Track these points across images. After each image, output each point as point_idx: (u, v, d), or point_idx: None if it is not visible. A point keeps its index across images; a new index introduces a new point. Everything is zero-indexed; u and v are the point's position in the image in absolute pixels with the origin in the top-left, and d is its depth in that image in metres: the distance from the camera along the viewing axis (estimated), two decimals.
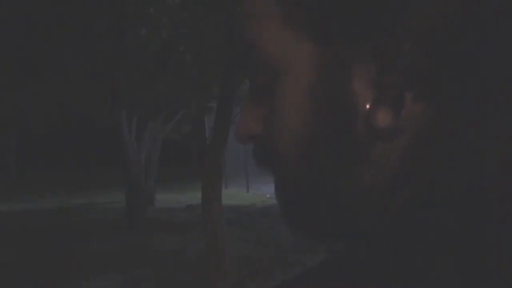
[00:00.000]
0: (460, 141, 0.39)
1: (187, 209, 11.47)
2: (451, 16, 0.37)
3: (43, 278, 6.39)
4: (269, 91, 0.43)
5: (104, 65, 7.82)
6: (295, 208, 0.45)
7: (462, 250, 0.36)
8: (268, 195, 12.89)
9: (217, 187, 5.21)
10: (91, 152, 25.12)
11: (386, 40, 0.38)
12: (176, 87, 8.35)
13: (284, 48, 0.41)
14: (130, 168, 9.66)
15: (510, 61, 0.38)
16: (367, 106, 0.39)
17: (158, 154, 12.01)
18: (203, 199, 5.24)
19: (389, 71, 0.38)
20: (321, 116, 0.41)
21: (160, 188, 13.35)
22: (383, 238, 0.40)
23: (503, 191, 0.37)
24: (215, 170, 5.21)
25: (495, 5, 0.38)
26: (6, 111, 10.45)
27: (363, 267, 0.39)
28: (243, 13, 0.44)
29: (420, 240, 0.37)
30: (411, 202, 0.39)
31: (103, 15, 7.18)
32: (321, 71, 0.40)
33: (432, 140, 0.39)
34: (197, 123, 13.97)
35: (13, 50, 7.53)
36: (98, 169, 22.32)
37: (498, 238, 0.35)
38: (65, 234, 9.22)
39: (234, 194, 13.43)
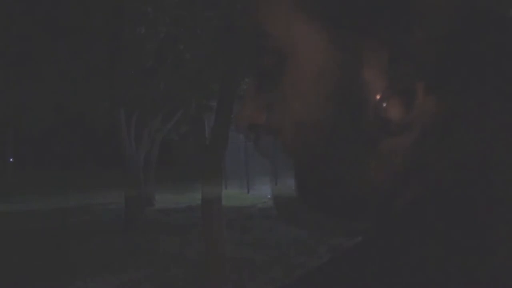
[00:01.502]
0: (469, 141, 0.38)
1: (186, 210, 11.45)
2: (462, 6, 0.37)
3: (41, 280, 6.34)
4: (274, 78, 0.42)
5: (102, 63, 7.83)
6: (303, 199, 0.44)
7: (467, 250, 0.35)
8: (269, 196, 12.90)
9: (217, 187, 5.25)
10: (89, 152, 25.19)
11: (399, 27, 0.37)
12: (175, 85, 8.34)
13: (294, 33, 0.40)
14: (129, 169, 9.63)
15: None
16: (377, 97, 0.38)
17: (156, 154, 12.04)
18: (203, 200, 5.28)
19: (401, 59, 0.37)
20: (329, 105, 0.40)
21: (159, 189, 13.37)
22: (386, 238, 0.38)
23: (510, 191, 0.36)
24: (215, 170, 5.23)
25: None
26: (2, 110, 10.43)
27: (365, 268, 0.37)
28: None
29: (425, 240, 0.36)
30: (416, 201, 0.38)
31: (100, 13, 7.18)
32: (330, 57, 0.39)
33: (441, 138, 0.38)
34: (196, 123, 13.98)
35: (9, 48, 7.54)
36: (96, 170, 22.39)
37: (504, 238, 0.35)
38: (63, 235, 9.20)
39: (234, 195, 13.45)
